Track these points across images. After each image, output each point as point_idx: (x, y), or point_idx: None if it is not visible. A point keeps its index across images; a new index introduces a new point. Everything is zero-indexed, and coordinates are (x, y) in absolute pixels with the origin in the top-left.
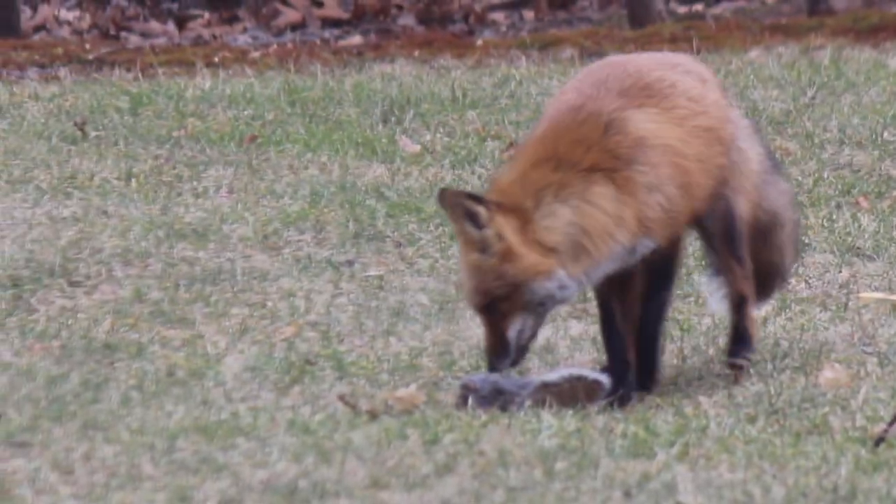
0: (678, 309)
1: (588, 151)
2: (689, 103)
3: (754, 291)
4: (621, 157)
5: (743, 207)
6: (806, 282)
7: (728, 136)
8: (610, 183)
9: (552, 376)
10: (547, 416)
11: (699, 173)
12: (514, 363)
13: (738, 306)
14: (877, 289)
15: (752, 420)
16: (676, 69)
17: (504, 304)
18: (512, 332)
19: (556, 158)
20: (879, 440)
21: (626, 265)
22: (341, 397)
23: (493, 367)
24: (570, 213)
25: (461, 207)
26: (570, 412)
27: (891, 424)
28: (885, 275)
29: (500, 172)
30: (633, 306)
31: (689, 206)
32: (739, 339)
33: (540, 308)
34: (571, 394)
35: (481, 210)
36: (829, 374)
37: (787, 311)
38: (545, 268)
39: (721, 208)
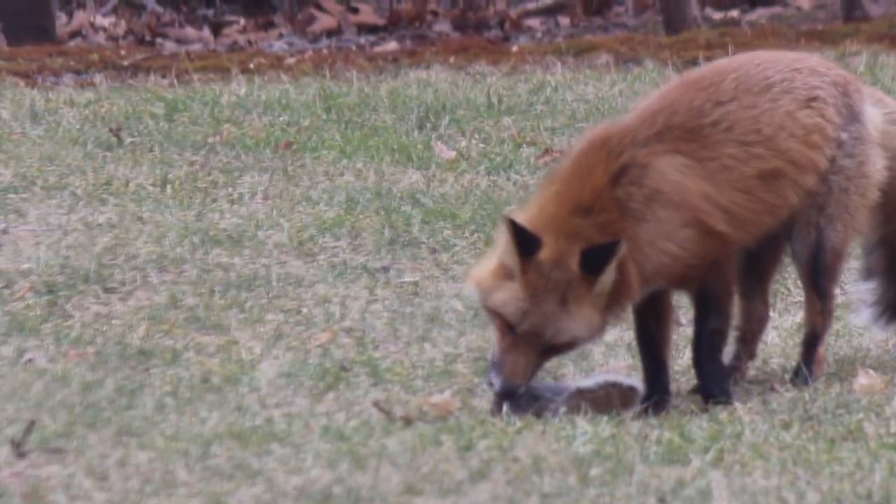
0: None
1: (598, 199)
2: (743, 149)
3: (828, 329)
4: (629, 212)
5: (839, 237)
6: (840, 287)
7: (817, 164)
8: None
9: (587, 383)
10: (581, 423)
11: (741, 221)
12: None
13: (807, 343)
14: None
15: (786, 426)
16: (768, 93)
17: (567, 347)
18: (540, 367)
19: (585, 211)
20: None
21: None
22: (376, 403)
23: (510, 392)
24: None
25: (617, 256)
26: (605, 418)
27: None
28: None
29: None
30: (667, 311)
31: (719, 248)
32: (801, 375)
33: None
34: (606, 400)
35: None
36: (864, 380)
37: None
38: (605, 325)
39: (811, 237)
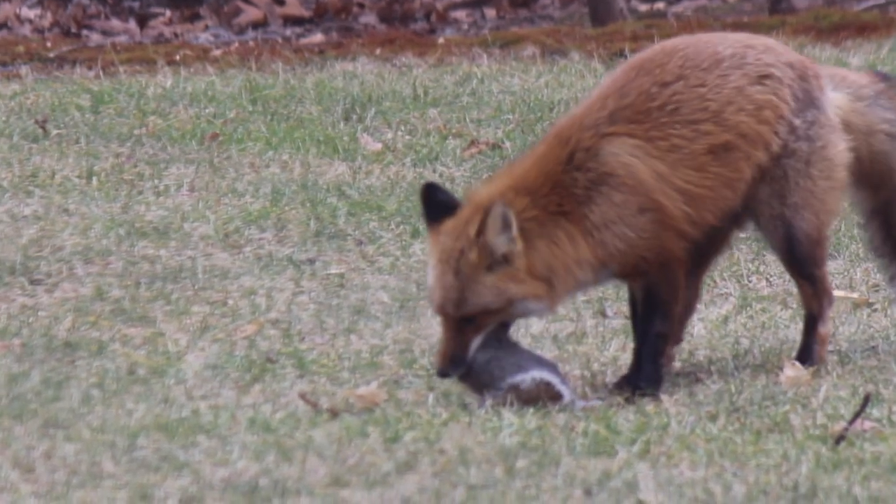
0: None
1: (545, 182)
2: (691, 128)
3: (827, 308)
4: (578, 197)
5: (811, 224)
6: (767, 280)
7: (767, 140)
8: (569, 223)
9: (524, 377)
10: (508, 415)
11: (699, 201)
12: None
13: (808, 325)
14: (837, 287)
15: (713, 418)
16: (717, 68)
17: (487, 318)
18: (475, 343)
19: (531, 192)
20: (840, 438)
21: (603, 284)
22: (302, 395)
23: (444, 374)
24: (545, 249)
25: (505, 219)
26: (531, 410)
27: (851, 422)
28: (845, 273)
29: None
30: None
31: (674, 232)
32: (804, 357)
33: (509, 322)
34: (535, 396)
35: (514, 226)
36: (790, 372)
37: (749, 309)
38: (541, 291)
39: (780, 231)
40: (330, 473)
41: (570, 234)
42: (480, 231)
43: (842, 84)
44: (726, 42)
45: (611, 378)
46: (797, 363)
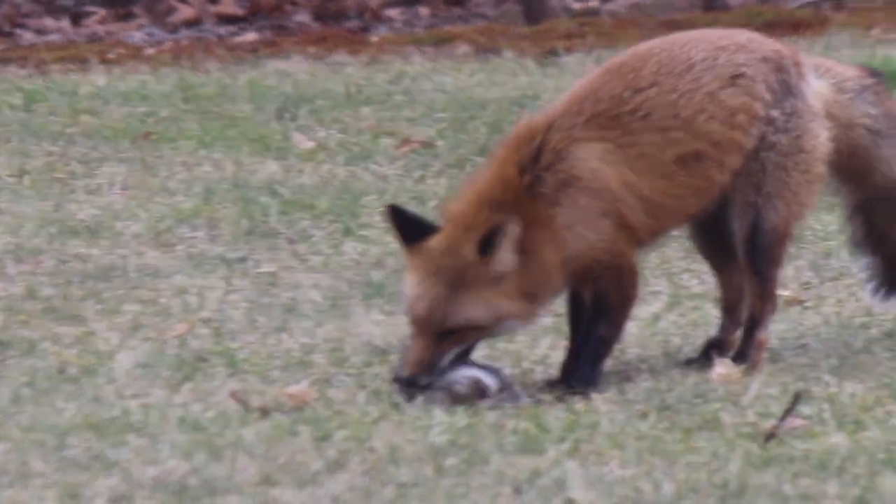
0: None
1: (517, 195)
2: (661, 135)
3: (769, 313)
4: (546, 198)
5: (780, 216)
6: (698, 277)
7: (742, 144)
8: (540, 230)
9: (461, 382)
10: (437, 413)
11: (661, 211)
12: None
13: (747, 327)
14: None
15: (643, 416)
16: (689, 73)
17: (470, 333)
18: (449, 357)
19: (501, 205)
20: (770, 436)
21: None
22: (233, 394)
23: (409, 383)
24: (529, 263)
25: (508, 235)
26: (461, 408)
27: (781, 420)
28: None
29: (460, 205)
30: None
31: (630, 240)
32: (739, 360)
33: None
34: (467, 396)
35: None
36: (721, 369)
37: (679, 306)
38: (528, 308)
39: (748, 217)
40: (260, 472)
41: (543, 240)
42: (485, 248)
43: (826, 74)
44: (701, 45)
45: (541, 376)
46: (727, 360)
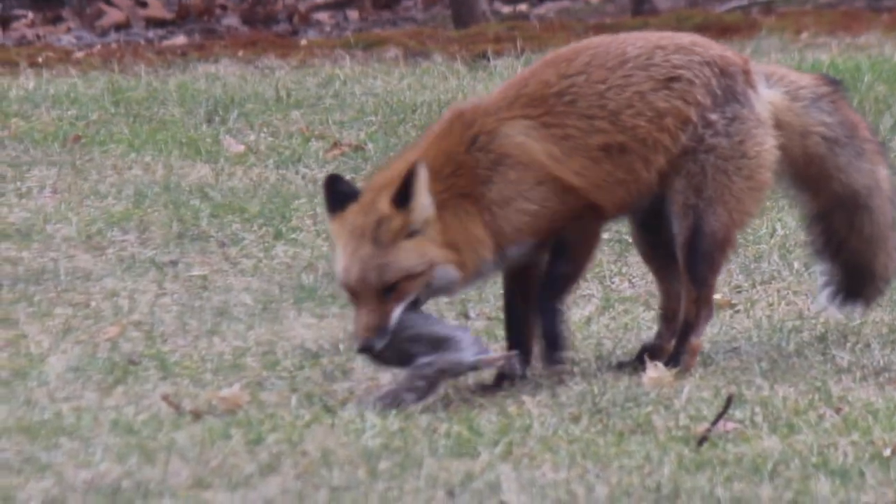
0: (501, 307)
1: (448, 164)
2: (586, 121)
3: (704, 319)
4: (478, 177)
5: (721, 222)
6: (629, 281)
7: (667, 146)
8: (470, 204)
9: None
10: (370, 416)
11: (595, 182)
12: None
13: (681, 332)
14: None
15: (575, 419)
16: (622, 68)
17: (408, 284)
18: (396, 313)
19: (434, 172)
20: (702, 439)
21: (514, 264)
22: (165, 397)
23: (366, 349)
24: (454, 223)
25: (420, 179)
26: (394, 412)
27: (714, 424)
28: None
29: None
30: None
31: (579, 202)
32: (673, 359)
33: (426, 294)
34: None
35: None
36: (653, 373)
37: (611, 310)
38: (456, 259)
39: (689, 220)
40: (192, 475)
41: (471, 214)
42: (401, 196)
43: (779, 82)
44: (638, 42)
45: (474, 379)
46: (659, 364)
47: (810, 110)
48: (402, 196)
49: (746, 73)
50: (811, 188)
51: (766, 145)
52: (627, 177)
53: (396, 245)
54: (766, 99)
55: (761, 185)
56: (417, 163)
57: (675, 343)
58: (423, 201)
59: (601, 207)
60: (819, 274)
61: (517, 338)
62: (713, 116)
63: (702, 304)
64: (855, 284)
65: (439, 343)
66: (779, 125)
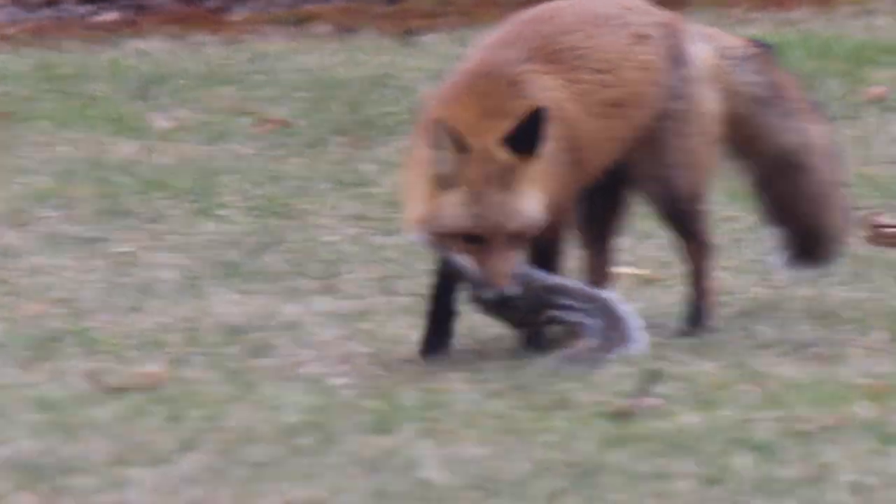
0: (426, 285)
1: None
2: (597, 76)
3: (709, 261)
4: None
5: (690, 181)
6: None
7: (652, 101)
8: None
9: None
10: (292, 392)
11: (598, 149)
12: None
13: (695, 283)
14: (624, 263)
15: (497, 395)
16: (606, 25)
17: (528, 232)
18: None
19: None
20: (624, 415)
21: None
22: (87, 373)
23: (507, 300)
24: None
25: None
26: (316, 388)
27: (636, 399)
28: (632, 249)
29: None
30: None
31: (575, 185)
32: (694, 315)
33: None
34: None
35: None
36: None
37: None
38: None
39: (660, 191)
40: (113, 452)
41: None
42: (518, 140)
43: (710, 39)
44: (608, 4)
45: (398, 356)
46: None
47: (738, 69)
48: (520, 140)
49: (684, 31)
50: (746, 152)
51: (711, 99)
52: (623, 133)
53: (526, 192)
54: (701, 56)
55: (714, 137)
56: (540, 107)
57: (690, 297)
58: (546, 148)
59: (580, 189)
60: (771, 236)
61: (441, 322)
62: (669, 80)
63: (702, 251)
64: (807, 248)
65: (590, 297)
66: (717, 79)
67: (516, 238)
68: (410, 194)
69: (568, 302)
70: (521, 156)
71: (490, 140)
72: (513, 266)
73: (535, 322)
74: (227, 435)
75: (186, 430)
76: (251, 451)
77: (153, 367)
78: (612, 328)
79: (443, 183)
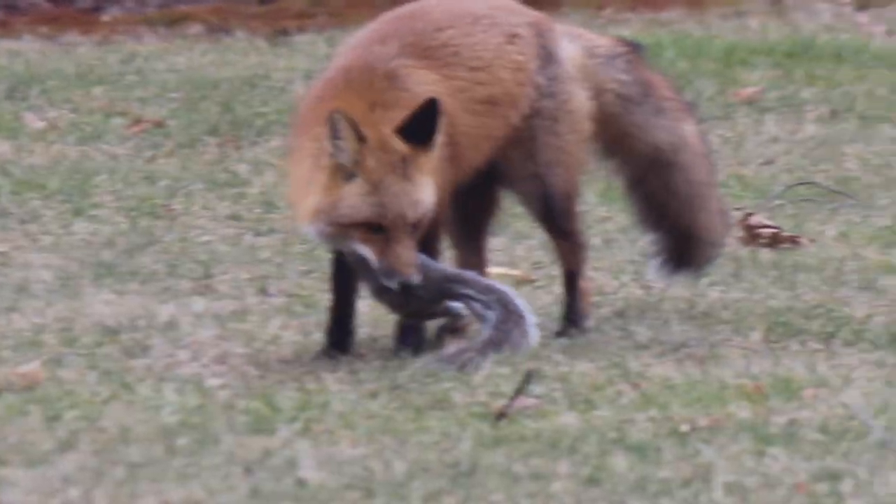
0: (301, 285)
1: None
2: (471, 73)
3: (584, 261)
4: None
5: (564, 179)
6: None
7: (520, 101)
8: None
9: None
10: (169, 393)
11: (472, 146)
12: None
13: (569, 282)
14: (499, 264)
15: (374, 395)
16: (478, 24)
17: (424, 222)
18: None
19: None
20: (501, 415)
21: None
22: None
23: (409, 284)
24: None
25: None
26: (193, 388)
27: (513, 400)
28: (507, 250)
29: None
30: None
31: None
32: (572, 316)
33: None
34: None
35: None
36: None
37: None
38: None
39: (535, 189)
40: None
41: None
42: (412, 131)
43: (577, 38)
44: (477, 3)
45: (274, 356)
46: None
47: (605, 68)
48: (415, 130)
49: (552, 30)
50: (617, 151)
51: (582, 97)
52: (494, 132)
53: (422, 181)
54: (569, 54)
55: (587, 135)
56: (435, 99)
57: (565, 298)
58: (440, 140)
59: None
60: (648, 244)
61: (342, 318)
62: (540, 79)
63: (577, 251)
64: (682, 251)
65: (488, 288)
66: (585, 78)
67: (415, 227)
68: (303, 188)
69: (467, 291)
70: (417, 146)
71: (385, 130)
72: (415, 255)
73: (433, 312)
74: (104, 435)
75: (63, 430)
76: (128, 452)
77: (29, 368)
78: (507, 321)
79: (342, 174)
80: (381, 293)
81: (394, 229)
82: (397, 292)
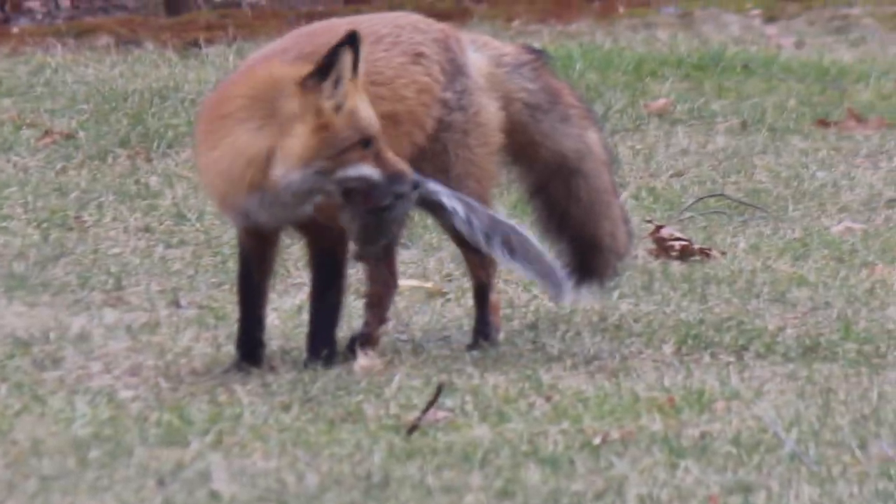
0: (213, 297)
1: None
2: (369, 89)
3: (494, 276)
4: None
5: (475, 192)
6: None
7: (425, 121)
8: None
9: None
10: (81, 405)
11: None
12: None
13: (479, 296)
14: (411, 276)
15: (286, 408)
16: (381, 43)
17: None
18: None
19: None
20: (413, 428)
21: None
22: None
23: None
24: None
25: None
26: (105, 400)
27: (424, 412)
28: (419, 262)
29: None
30: (273, 267)
31: None
32: (483, 329)
33: None
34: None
35: None
36: (364, 361)
37: None
38: None
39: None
40: None
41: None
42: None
43: (484, 48)
44: (382, 21)
45: (185, 369)
46: (370, 352)
47: (512, 76)
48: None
49: (458, 41)
50: (522, 158)
51: (491, 108)
52: (395, 149)
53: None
54: (477, 64)
55: (497, 146)
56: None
57: (476, 310)
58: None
59: None
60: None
61: (250, 330)
62: (447, 94)
63: (487, 262)
64: (586, 262)
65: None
66: (492, 88)
67: None
68: (253, 150)
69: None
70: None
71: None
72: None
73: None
74: (15, 448)
75: None
76: (41, 464)
77: None
78: (539, 261)
79: (332, 107)
80: (368, 227)
81: (378, 138)
82: (423, 199)
